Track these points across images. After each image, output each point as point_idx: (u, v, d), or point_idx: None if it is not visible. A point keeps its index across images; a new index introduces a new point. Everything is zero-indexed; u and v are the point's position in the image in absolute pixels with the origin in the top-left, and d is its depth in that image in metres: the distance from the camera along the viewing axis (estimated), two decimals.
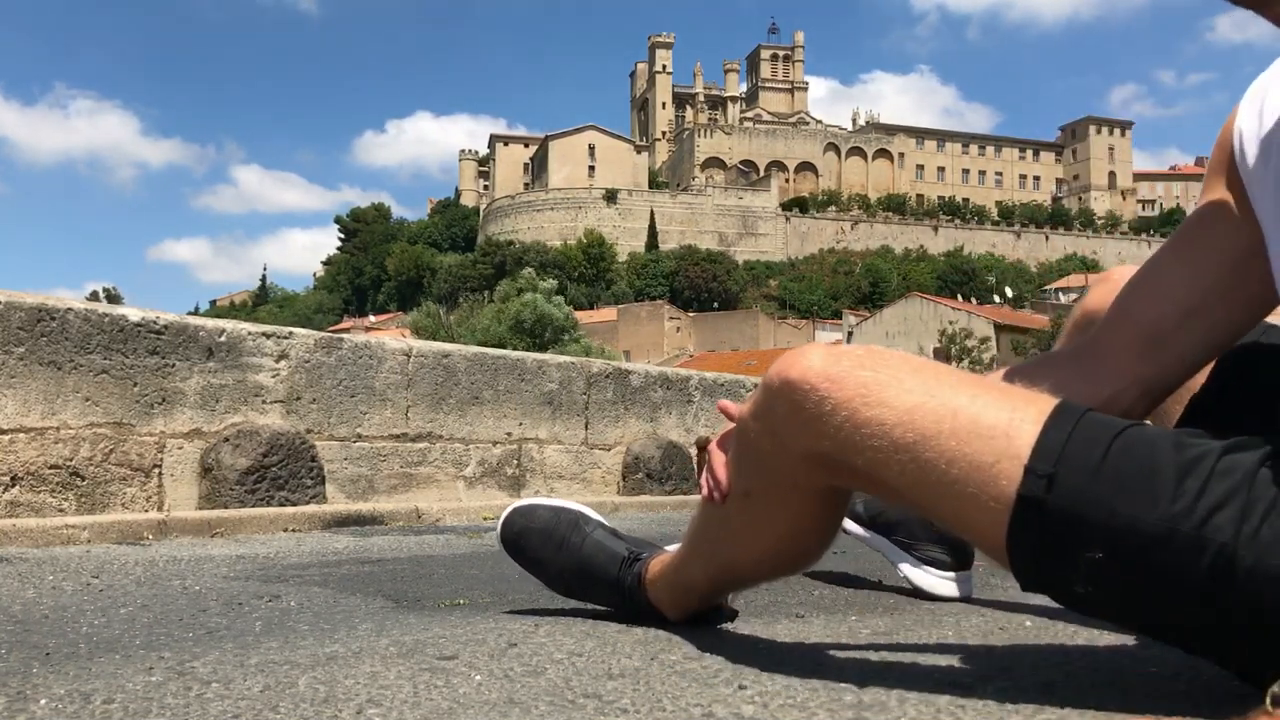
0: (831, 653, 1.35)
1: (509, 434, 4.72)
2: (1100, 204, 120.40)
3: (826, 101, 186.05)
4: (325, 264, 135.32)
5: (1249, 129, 1.06)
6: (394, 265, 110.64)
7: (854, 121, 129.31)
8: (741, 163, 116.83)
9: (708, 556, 1.29)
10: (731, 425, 1.19)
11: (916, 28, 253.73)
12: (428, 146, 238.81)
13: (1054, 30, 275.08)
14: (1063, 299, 75.88)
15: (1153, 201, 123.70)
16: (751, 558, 1.25)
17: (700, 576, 1.34)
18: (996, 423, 0.96)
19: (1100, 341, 1.16)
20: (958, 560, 1.93)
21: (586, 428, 5.10)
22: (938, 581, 1.93)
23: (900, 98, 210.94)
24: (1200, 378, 1.18)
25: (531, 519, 1.51)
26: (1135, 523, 0.89)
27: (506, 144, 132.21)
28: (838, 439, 1.01)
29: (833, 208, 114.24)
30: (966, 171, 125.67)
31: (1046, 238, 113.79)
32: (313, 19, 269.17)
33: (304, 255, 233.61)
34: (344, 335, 4.54)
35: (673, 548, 1.44)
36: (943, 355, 42.67)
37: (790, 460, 1.08)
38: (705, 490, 1.24)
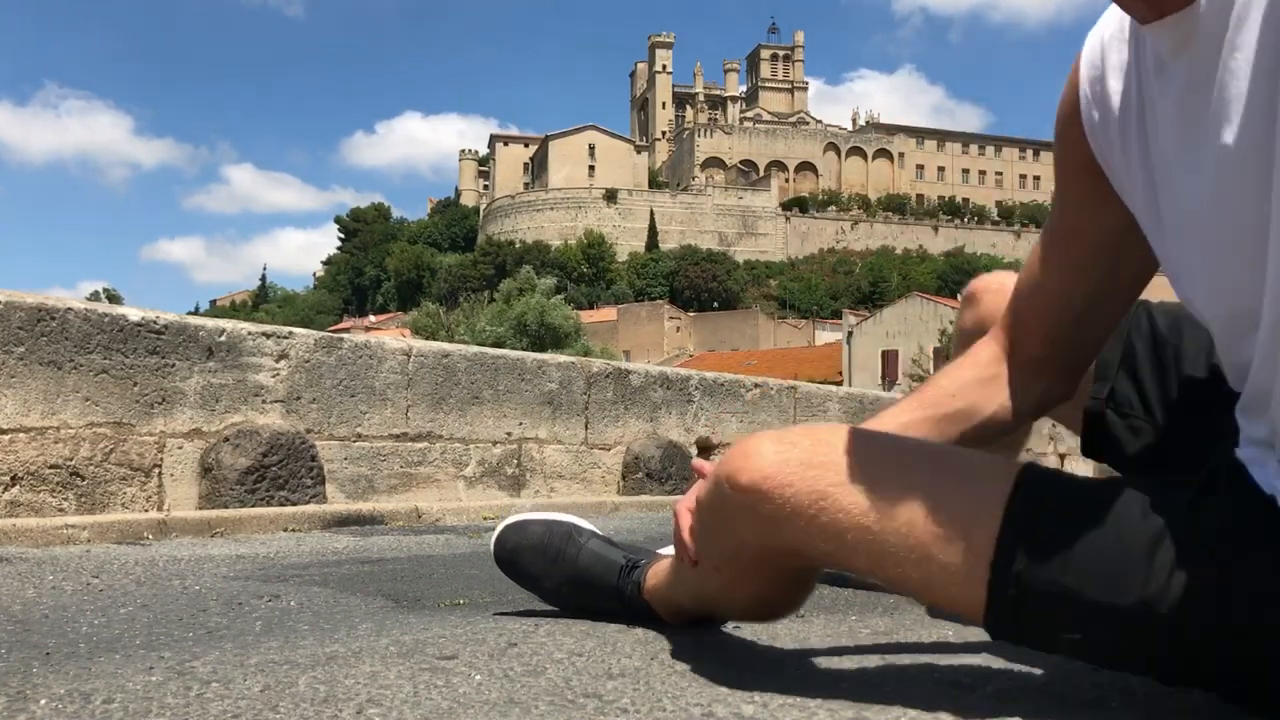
0: (831, 653, 1.35)
1: (509, 434, 4.72)
2: None
3: (814, 101, 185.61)
4: (325, 264, 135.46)
5: (1093, 94, 0.99)
6: (394, 265, 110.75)
7: (854, 121, 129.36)
8: (741, 163, 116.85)
9: (692, 593, 1.30)
10: (700, 481, 1.16)
11: (899, 30, 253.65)
12: (419, 146, 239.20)
13: (1037, 32, 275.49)
14: None
15: None
16: (732, 607, 1.28)
17: (688, 604, 1.35)
18: (956, 517, 0.94)
19: (1012, 355, 1.17)
20: None
21: (586, 427, 5.10)
22: None
23: (889, 97, 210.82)
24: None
25: (524, 535, 1.51)
26: (1113, 607, 0.89)
27: (506, 144, 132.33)
28: (797, 538, 1.01)
29: (833, 208, 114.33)
30: (966, 171, 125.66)
31: None
32: (300, 22, 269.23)
33: (299, 255, 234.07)
34: (344, 335, 4.54)
35: (666, 550, 1.44)
36: (943, 356, 42.66)
37: (753, 550, 1.08)
38: (677, 550, 1.24)
